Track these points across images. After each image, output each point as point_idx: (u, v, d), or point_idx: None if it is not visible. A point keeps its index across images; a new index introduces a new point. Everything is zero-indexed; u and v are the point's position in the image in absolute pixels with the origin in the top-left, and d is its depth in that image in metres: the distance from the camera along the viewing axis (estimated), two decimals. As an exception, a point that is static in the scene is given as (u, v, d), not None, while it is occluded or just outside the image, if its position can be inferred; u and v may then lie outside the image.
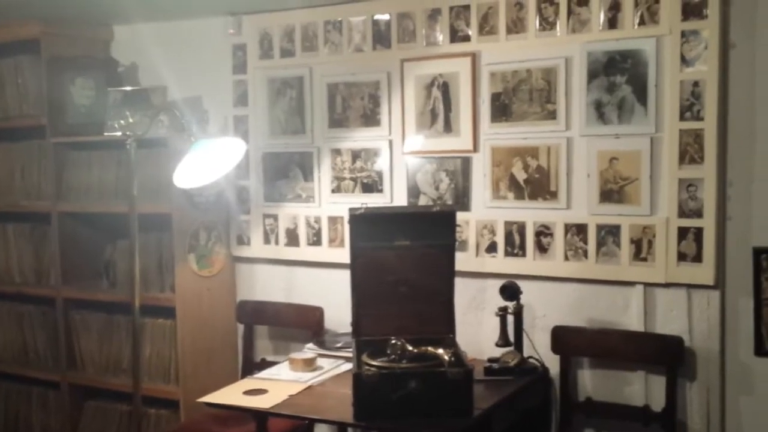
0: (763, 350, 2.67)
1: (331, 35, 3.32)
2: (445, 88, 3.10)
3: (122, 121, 3.32)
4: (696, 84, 2.67)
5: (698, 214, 2.70)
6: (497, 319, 2.87)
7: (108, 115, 3.46)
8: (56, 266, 3.68)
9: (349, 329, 2.84)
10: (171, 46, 3.66)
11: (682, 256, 2.74)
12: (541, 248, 2.98)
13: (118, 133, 3.31)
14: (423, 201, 3.18)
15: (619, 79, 2.79)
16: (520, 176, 3.00)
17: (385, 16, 3.19)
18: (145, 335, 3.44)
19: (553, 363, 2.94)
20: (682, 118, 2.70)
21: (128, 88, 3.55)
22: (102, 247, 3.67)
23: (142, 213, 3.01)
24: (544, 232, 2.97)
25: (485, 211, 3.07)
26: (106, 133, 3.43)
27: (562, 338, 2.93)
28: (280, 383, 2.80)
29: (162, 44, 3.67)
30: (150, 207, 3.34)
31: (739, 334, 2.72)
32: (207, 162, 2.76)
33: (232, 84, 3.56)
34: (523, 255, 3.01)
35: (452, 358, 2.48)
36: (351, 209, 2.77)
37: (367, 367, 2.50)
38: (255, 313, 3.56)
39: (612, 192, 2.84)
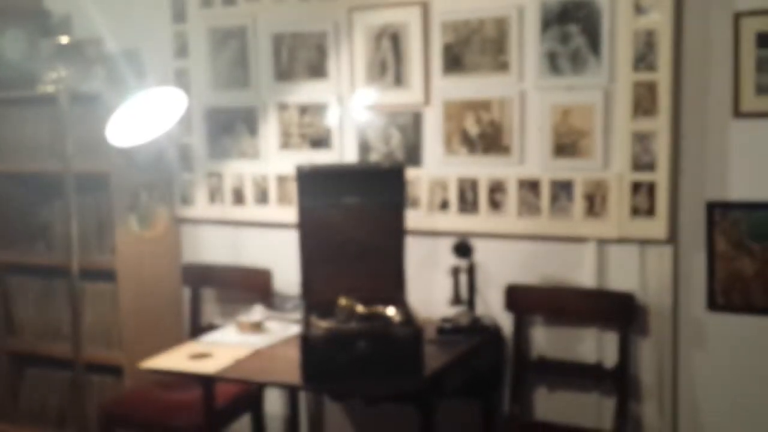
0: (716, 305, 2.66)
1: (275, -18, 3.17)
2: (395, 39, 2.99)
3: (55, 75, 3.14)
4: (650, 33, 2.61)
5: (651, 167, 2.66)
6: (450, 278, 2.81)
7: (40, 68, 3.28)
8: (-10, 229, 3.54)
9: (298, 291, 2.76)
10: (106, -5, 3.48)
11: (635, 211, 2.70)
12: (494, 205, 2.91)
13: (51, 88, 3.14)
14: (374, 157, 3.08)
15: (573, 28, 2.71)
16: (473, 131, 2.91)
17: (332, -37, 3.06)
18: (86, 300, 3.32)
19: (506, 321, 2.90)
20: (635, 68, 2.64)
21: (61, 41, 3.36)
22: (38, 209, 3.52)
23: (79, 172, 2.84)
24: (497, 188, 2.90)
25: (437, 167, 2.99)
26: (38, 88, 3.26)
27: (515, 296, 2.89)
28: (226, 347, 2.72)
29: (97, -7, 3.48)
30: (87, 166, 3.17)
31: (691, 289, 2.70)
32: (145, 117, 2.62)
33: (171, 34, 3.40)
34: (476, 212, 2.94)
35: (402, 318, 2.42)
36: (298, 167, 2.67)
37: (315, 329, 2.42)
38: (201, 276, 3.45)
39: (565, 146, 2.78)
